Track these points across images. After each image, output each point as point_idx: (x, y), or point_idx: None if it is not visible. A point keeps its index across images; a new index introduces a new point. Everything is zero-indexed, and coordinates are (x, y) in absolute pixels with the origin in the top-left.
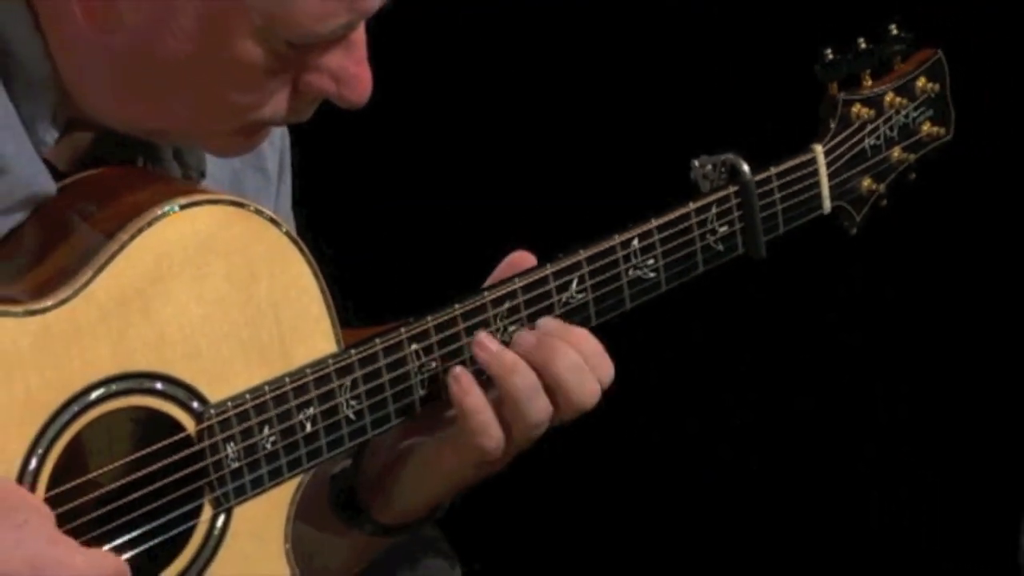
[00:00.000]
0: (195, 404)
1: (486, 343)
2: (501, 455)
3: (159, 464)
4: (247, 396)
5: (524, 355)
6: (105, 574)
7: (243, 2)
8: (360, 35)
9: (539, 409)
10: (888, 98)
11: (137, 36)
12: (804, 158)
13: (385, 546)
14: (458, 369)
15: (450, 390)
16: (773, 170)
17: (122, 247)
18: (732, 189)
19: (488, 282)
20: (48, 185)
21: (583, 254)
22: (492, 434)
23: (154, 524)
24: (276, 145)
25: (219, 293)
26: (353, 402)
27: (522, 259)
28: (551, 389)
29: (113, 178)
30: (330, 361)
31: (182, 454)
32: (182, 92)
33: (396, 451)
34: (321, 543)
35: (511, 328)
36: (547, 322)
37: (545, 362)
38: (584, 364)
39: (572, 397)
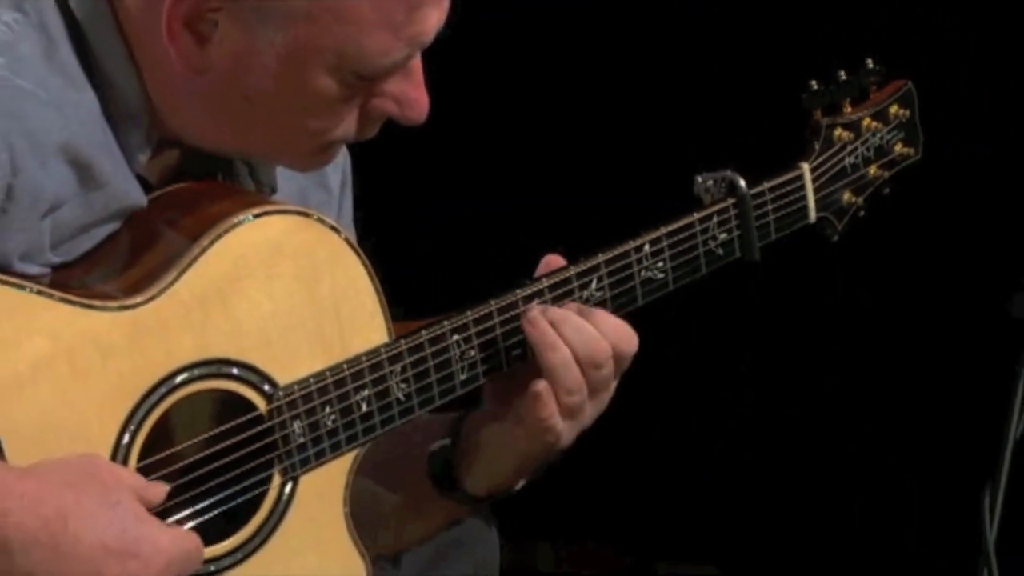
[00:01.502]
0: (266, 387)
1: (537, 321)
2: (572, 432)
3: (235, 439)
4: (311, 380)
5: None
6: (184, 549)
7: (317, 43)
8: (417, 63)
9: (574, 379)
10: (865, 122)
11: (226, 76)
12: (793, 175)
13: (467, 512)
14: (541, 384)
15: (530, 402)
16: (766, 185)
17: (203, 251)
18: (730, 201)
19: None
20: (140, 198)
21: (601, 257)
22: (559, 432)
23: (232, 490)
24: (339, 165)
25: (288, 291)
26: (403, 385)
27: (555, 261)
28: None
29: (196, 191)
30: (383, 350)
31: (255, 430)
32: (266, 120)
33: (481, 435)
34: (416, 511)
35: None
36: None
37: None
38: (590, 327)
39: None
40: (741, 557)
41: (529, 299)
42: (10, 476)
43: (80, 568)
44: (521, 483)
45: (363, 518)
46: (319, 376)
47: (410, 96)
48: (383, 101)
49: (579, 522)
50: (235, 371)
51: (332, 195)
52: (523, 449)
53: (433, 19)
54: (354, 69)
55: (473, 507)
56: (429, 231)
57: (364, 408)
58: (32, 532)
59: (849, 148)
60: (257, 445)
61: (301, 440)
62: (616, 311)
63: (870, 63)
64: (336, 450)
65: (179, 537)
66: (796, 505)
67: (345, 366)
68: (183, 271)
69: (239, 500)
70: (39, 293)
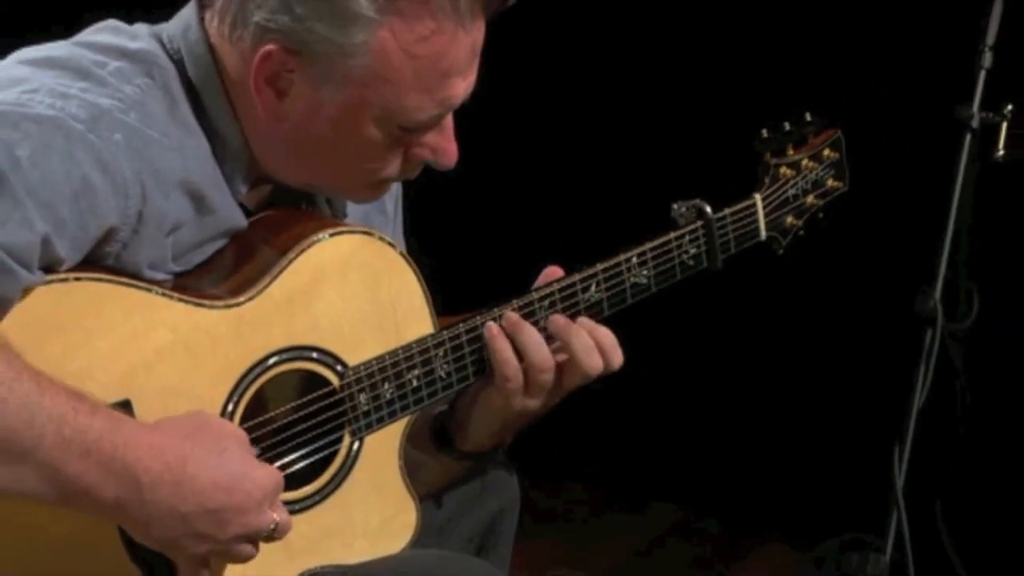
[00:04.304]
0: (339, 367)
1: (559, 320)
2: (537, 405)
3: (314, 407)
4: (374, 362)
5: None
6: (272, 485)
7: (367, 99)
8: (449, 120)
9: (593, 363)
10: (804, 162)
11: (299, 124)
12: (748, 203)
13: (465, 468)
14: (490, 323)
15: (484, 335)
16: (727, 211)
17: (290, 262)
18: (699, 223)
19: (533, 287)
20: (242, 221)
21: (599, 267)
22: (515, 381)
23: (311, 448)
24: (393, 194)
25: (355, 293)
26: (444, 366)
27: (553, 272)
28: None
29: (284, 216)
30: (429, 339)
31: (330, 401)
32: (329, 160)
33: (472, 400)
34: (425, 463)
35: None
36: (583, 320)
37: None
38: (594, 345)
39: (580, 364)
40: (702, 498)
41: (543, 299)
42: (140, 430)
43: (196, 500)
44: (508, 441)
45: None
46: (380, 359)
47: (442, 147)
48: (421, 150)
49: (565, 465)
50: (315, 355)
51: (389, 218)
52: (500, 409)
53: (460, 87)
54: (397, 122)
55: (462, 461)
56: (467, 246)
57: (415, 384)
58: (158, 474)
59: (791, 182)
60: (331, 413)
61: (366, 409)
62: (610, 309)
63: (808, 117)
64: (392, 417)
65: (271, 472)
66: (748, 458)
67: (400, 351)
68: (275, 278)
69: (317, 456)
70: (162, 295)
